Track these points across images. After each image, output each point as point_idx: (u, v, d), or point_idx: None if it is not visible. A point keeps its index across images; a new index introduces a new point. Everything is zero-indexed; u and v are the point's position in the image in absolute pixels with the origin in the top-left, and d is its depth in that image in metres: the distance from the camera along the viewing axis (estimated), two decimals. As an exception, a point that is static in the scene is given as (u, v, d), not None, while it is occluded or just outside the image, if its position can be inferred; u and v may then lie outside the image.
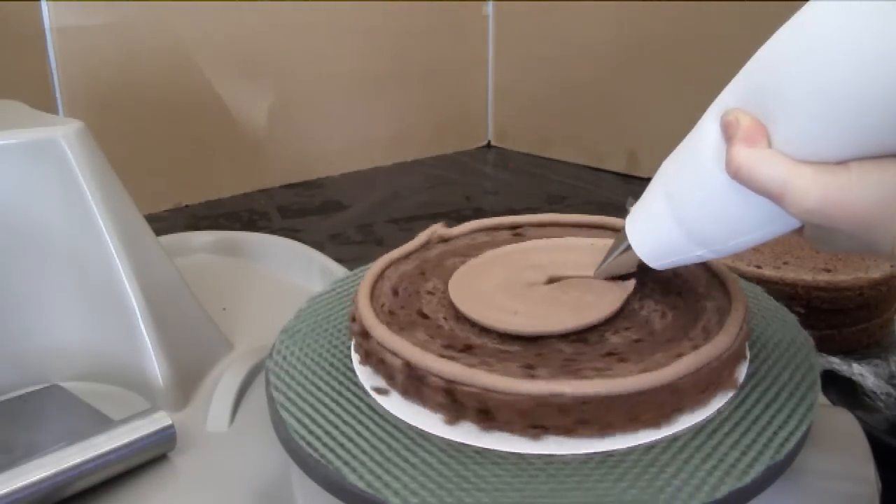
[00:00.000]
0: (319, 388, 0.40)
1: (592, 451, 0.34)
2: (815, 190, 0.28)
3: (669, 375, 0.34)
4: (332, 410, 0.38)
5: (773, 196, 0.29)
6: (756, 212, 0.32)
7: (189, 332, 0.56)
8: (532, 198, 1.03)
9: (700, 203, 0.33)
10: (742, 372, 0.39)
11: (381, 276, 0.46)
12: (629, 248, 0.38)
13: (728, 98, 0.32)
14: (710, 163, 0.32)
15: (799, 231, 0.33)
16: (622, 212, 0.82)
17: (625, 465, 0.33)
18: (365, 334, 0.40)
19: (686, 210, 0.34)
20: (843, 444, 0.40)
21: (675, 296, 0.42)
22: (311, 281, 0.69)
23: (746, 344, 0.40)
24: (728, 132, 0.31)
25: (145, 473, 0.46)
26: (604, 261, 0.41)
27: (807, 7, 0.28)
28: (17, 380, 0.53)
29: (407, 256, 0.48)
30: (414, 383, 0.37)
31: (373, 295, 0.44)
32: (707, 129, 0.33)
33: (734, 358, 0.37)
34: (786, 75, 0.29)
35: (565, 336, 0.39)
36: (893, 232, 0.28)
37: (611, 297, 0.41)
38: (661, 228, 0.36)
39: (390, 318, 0.42)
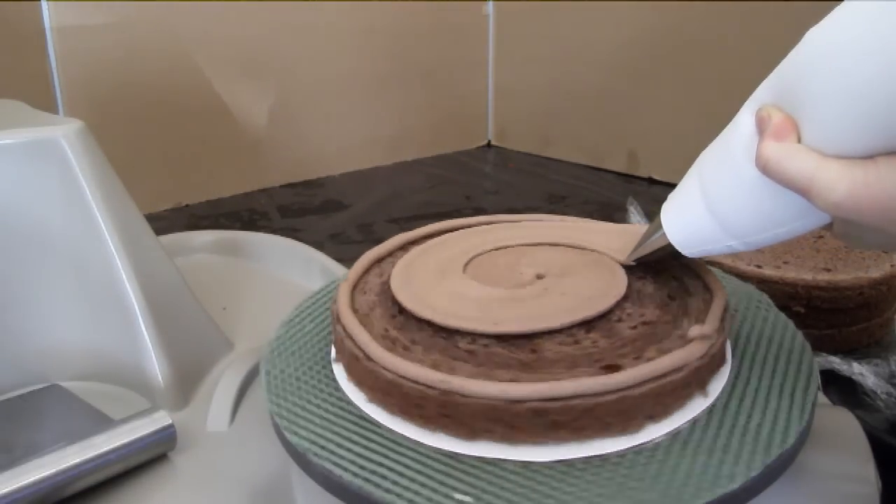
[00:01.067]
0: (318, 386, 0.40)
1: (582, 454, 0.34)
2: (841, 184, 0.28)
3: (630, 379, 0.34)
4: (331, 408, 0.38)
5: (800, 190, 0.30)
6: (786, 206, 0.32)
7: (189, 331, 0.56)
8: (532, 197, 1.03)
9: (732, 196, 0.34)
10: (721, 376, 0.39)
11: (367, 271, 0.46)
12: (663, 234, 0.39)
13: (763, 93, 0.33)
14: (742, 157, 0.33)
15: (829, 227, 0.33)
16: (622, 211, 0.82)
17: (613, 467, 0.33)
18: (345, 332, 0.40)
19: (719, 202, 0.35)
20: (844, 443, 0.40)
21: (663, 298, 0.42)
22: (311, 280, 0.69)
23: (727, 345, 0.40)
24: (760, 127, 0.31)
25: (145, 473, 0.46)
26: (638, 245, 0.42)
27: (839, 7, 0.29)
28: (17, 379, 0.53)
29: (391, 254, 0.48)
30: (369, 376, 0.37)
31: (354, 293, 0.43)
32: (742, 124, 0.33)
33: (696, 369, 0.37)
34: (815, 72, 0.29)
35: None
36: None
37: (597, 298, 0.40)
38: (694, 218, 0.36)
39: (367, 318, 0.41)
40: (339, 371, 0.40)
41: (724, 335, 0.39)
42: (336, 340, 0.41)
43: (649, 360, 0.35)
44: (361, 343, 0.38)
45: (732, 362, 0.40)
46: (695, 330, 0.36)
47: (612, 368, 0.35)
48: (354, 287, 0.44)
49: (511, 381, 0.35)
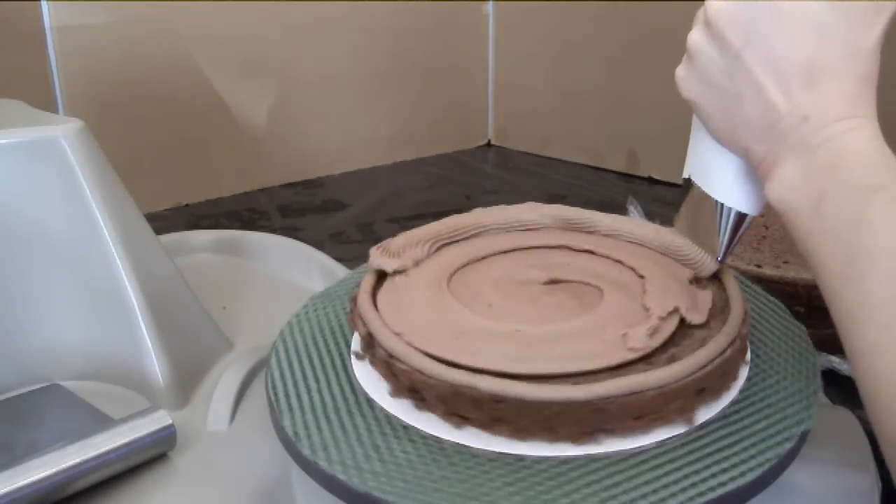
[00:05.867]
0: (319, 388, 0.40)
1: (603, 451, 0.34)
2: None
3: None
4: (331, 409, 0.38)
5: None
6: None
7: (189, 331, 0.56)
8: (532, 197, 1.02)
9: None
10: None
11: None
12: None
13: None
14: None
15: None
16: (622, 211, 0.82)
17: (613, 467, 0.33)
18: (369, 335, 0.40)
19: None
20: (844, 442, 0.40)
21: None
22: (311, 280, 0.69)
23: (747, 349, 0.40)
24: None
25: (145, 472, 0.46)
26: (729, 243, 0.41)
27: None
28: (17, 379, 0.53)
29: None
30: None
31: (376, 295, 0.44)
32: None
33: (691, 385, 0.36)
34: None
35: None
36: (737, 141, 0.36)
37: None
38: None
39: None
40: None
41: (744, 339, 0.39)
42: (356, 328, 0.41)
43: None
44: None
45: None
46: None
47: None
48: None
49: None
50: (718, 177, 0.39)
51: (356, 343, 0.42)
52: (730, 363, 0.37)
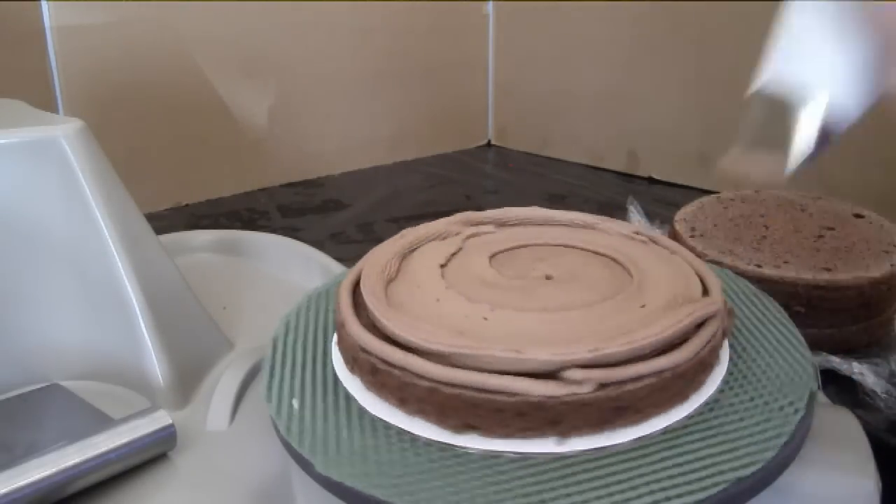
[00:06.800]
0: (318, 385, 0.40)
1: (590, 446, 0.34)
2: None
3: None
4: (331, 408, 0.38)
5: None
6: None
7: (189, 331, 0.56)
8: (532, 197, 1.03)
9: None
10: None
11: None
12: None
13: None
14: None
15: None
16: (622, 211, 0.82)
17: (609, 465, 0.33)
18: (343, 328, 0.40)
19: None
20: (844, 443, 0.40)
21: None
22: (311, 280, 0.69)
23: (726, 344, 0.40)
24: None
25: (145, 473, 0.46)
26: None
27: None
28: (16, 379, 0.53)
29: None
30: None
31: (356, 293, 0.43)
32: None
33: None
34: None
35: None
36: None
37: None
38: None
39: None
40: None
41: (719, 337, 0.39)
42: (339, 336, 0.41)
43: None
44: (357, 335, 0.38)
45: (730, 359, 0.40)
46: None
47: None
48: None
49: None
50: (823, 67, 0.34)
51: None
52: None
